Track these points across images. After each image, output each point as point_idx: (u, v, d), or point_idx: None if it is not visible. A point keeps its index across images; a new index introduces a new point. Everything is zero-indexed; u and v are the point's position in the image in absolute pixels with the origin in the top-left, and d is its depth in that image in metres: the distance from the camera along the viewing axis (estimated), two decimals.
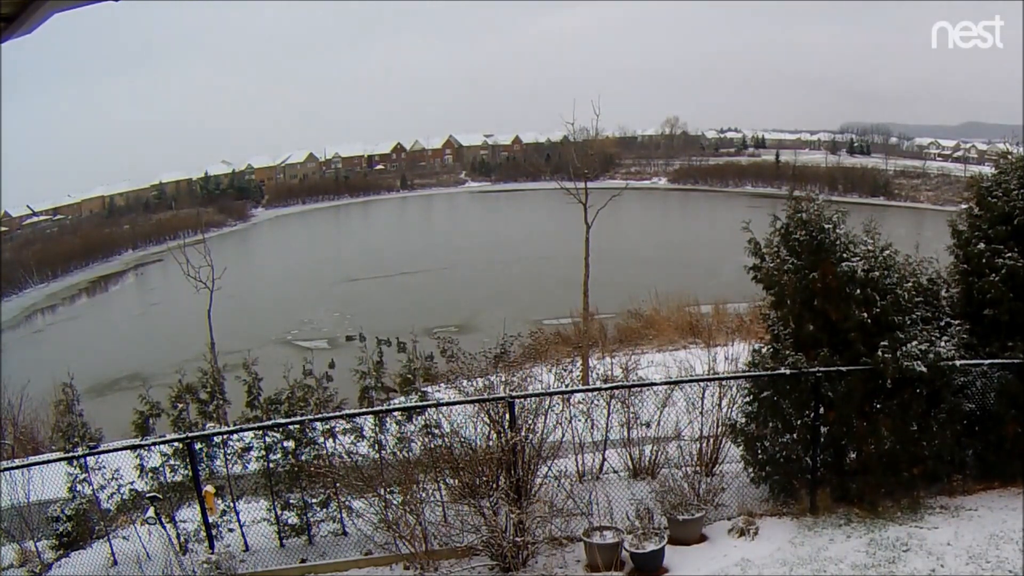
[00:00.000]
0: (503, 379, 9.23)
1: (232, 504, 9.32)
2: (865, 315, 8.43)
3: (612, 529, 8.28)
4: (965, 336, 8.86)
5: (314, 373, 10.09)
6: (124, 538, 9.30)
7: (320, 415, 9.39)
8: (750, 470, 9.21)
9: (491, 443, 8.45)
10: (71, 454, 9.55)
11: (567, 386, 10.15)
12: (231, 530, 9.24)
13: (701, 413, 9.72)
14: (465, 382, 9.26)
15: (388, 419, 9.31)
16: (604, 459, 10.17)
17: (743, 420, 9.21)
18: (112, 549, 9.28)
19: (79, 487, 9.52)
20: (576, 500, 8.67)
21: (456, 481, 8.69)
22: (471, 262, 58.17)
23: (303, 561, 8.93)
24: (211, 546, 8.77)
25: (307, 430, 9.23)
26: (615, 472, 10.12)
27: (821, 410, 8.60)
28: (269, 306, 48.03)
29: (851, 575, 7.53)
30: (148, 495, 8.81)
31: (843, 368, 8.49)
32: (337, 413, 9.40)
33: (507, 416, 8.41)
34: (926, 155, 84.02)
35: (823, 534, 8.30)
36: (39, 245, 70.21)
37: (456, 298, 46.47)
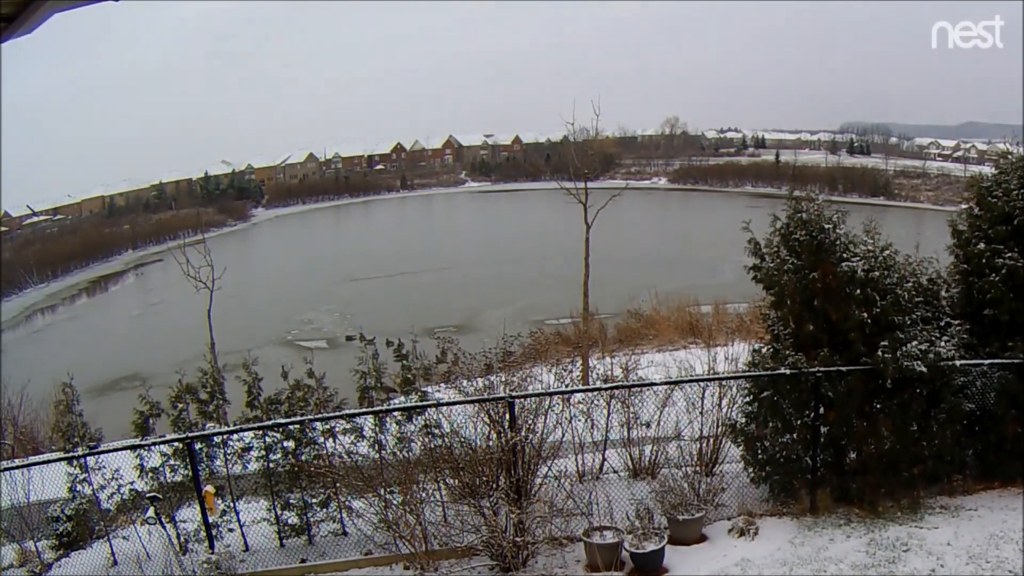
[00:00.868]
0: (503, 379, 9.24)
1: (232, 504, 9.32)
2: (865, 315, 8.43)
3: (612, 529, 8.28)
4: (965, 336, 8.86)
5: (314, 373, 10.05)
6: (124, 538, 9.29)
7: (320, 415, 9.39)
8: (750, 470, 9.20)
9: (491, 443, 8.45)
10: (71, 454, 9.55)
11: (567, 386, 10.15)
12: (231, 530, 9.24)
13: (701, 413, 9.72)
14: (465, 382, 9.26)
15: (388, 419, 9.32)
16: (604, 459, 10.17)
17: (743, 420, 9.21)
18: (112, 549, 9.27)
19: (79, 487, 9.52)
20: (576, 500, 8.67)
21: (456, 481, 8.69)
22: (471, 262, 58.16)
23: (303, 561, 8.93)
24: (211, 546, 8.77)
25: (307, 430, 9.23)
26: (615, 472, 10.11)
27: (821, 410, 8.60)
28: (269, 306, 48.01)
29: (851, 575, 7.53)
30: (148, 495, 8.81)
31: (843, 368, 8.49)
32: (337, 413, 9.40)
33: (507, 416, 8.41)
34: (926, 155, 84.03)
35: (823, 534, 8.30)
36: (39, 245, 70.20)
37: (456, 298, 46.45)
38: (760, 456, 9.06)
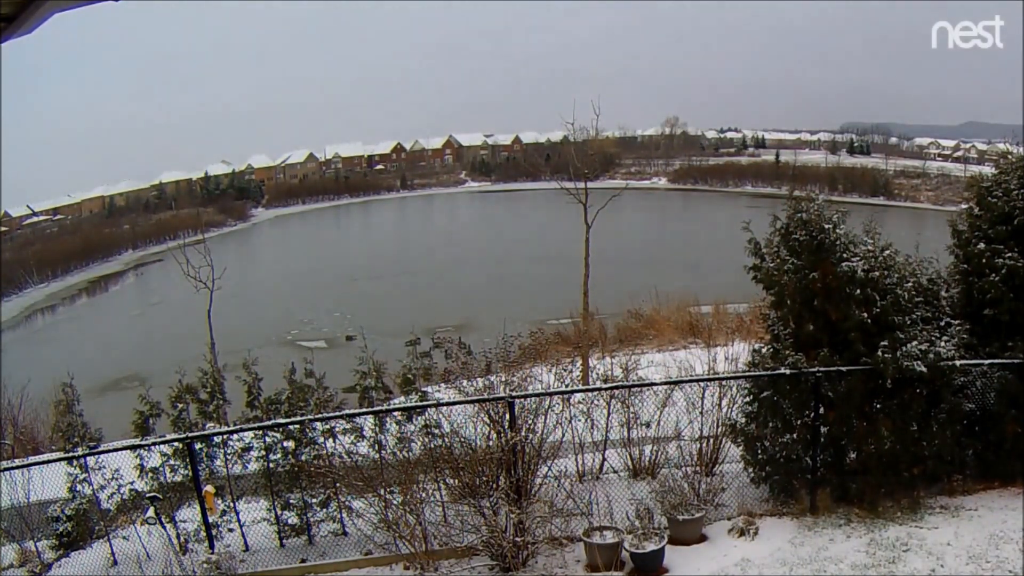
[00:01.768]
0: (503, 379, 9.24)
1: (232, 504, 9.32)
2: (865, 315, 8.43)
3: (612, 529, 8.28)
4: (965, 336, 8.86)
5: (315, 373, 10.05)
6: (124, 538, 9.29)
7: (320, 415, 9.39)
8: (750, 470, 9.20)
9: (491, 443, 8.46)
10: (71, 454, 9.54)
11: (567, 386, 10.15)
12: (231, 530, 9.24)
13: (701, 413, 9.72)
14: (465, 382, 9.26)
15: (388, 419, 9.32)
16: (604, 459, 10.17)
17: (743, 420, 9.21)
18: (112, 549, 9.27)
19: (79, 487, 9.52)
20: (576, 500, 8.67)
21: (456, 481, 8.69)
22: (471, 262, 58.17)
23: (303, 561, 8.93)
24: (211, 546, 8.77)
25: (307, 430, 9.23)
26: (615, 472, 10.12)
27: (821, 410, 8.60)
28: (269, 306, 48.02)
29: (851, 575, 7.53)
30: (148, 495, 8.81)
31: (843, 368, 8.49)
32: (337, 413, 9.40)
33: (507, 416, 8.41)
34: (926, 155, 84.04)
35: (823, 534, 8.30)
36: (39, 245, 70.21)
37: (456, 298, 46.46)
38: (760, 456, 9.06)
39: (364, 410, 9.49)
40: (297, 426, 9.21)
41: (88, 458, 9.42)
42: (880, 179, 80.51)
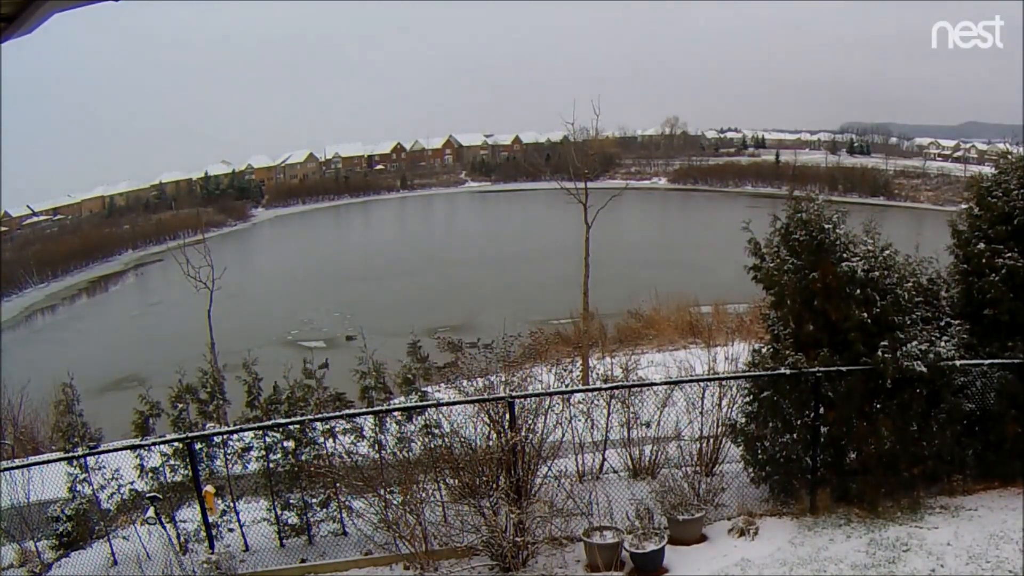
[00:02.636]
0: (503, 379, 9.24)
1: (232, 504, 9.32)
2: (865, 315, 8.42)
3: (612, 529, 8.28)
4: (965, 336, 8.86)
5: (314, 373, 10.04)
6: (124, 538, 9.29)
7: (320, 415, 9.39)
8: (750, 470, 9.20)
9: (491, 443, 8.45)
10: (71, 454, 9.54)
11: (567, 386, 10.15)
12: (231, 530, 9.24)
13: (701, 413, 9.71)
14: (465, 382, 9.26)
15: (388, 419, 9.31)
16: (604, 459, 10.17)
17: (743, 420, 9.21)
18: (112, 549, 9.27)
19: (79, 487, 9.51)
20: (576, 500, 8.66)
21: (456, 481, 8.69)
22: (471, 262, 58.18)
23: (303, 561, 8.93)
24: (211, 546, 8.77)
25: (307, 430, 9.23)
26: (615, 472, 10.11)
27: (821, 410, 8.59)
28: (269, 306, 48.05)
29: (851, 575, 7.53)
30: (148, 495, 8.80)
31: (843, 368, 8.48)
32: (337, 413, 9.39)
33: (507, 416, 8.40)
34: (926, 155, 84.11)
35: (823, 534, 8.29)
36: (39, 245, 70.26)
37: (456, 298, 46.47)
38: (760, 456, 9.06)
39: (364, 410, 9.48)
40: (297, 426, 9.21)
41: (88, 458, 9.42)
42: (880, 179, 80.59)
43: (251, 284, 51.35)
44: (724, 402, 9.73)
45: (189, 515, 9.27)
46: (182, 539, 9.05)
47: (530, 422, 8.74)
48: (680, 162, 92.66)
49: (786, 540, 8.24)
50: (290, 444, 9.28)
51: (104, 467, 9.48)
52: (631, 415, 9.96)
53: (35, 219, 76.80)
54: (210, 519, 8.79)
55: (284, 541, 9.33)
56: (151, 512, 8.89)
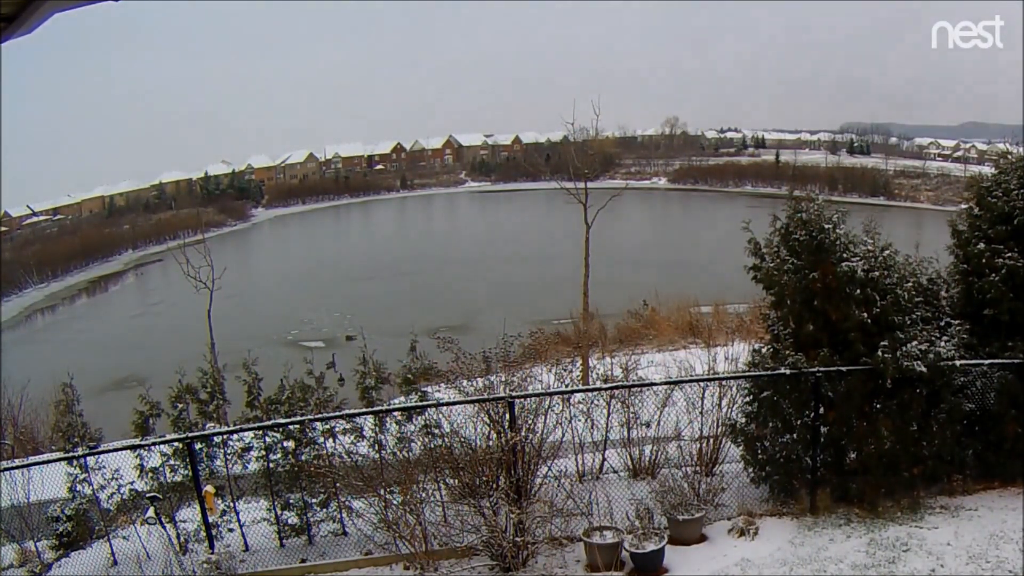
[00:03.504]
0: (503, 379, 9.23)
1: (232, 504, 9.32)
2: (865, 315, 8.43)
3: (612, 529, 8.28)
4: (965, 336, 8.86)
5: (314, 373, 10.03)
6: (124, 538, 9.28)
7: (320, 415, 9.38)
8: (750, 470, 9.20)
9: (491, 443, 8.45)
10: (71, 454, 9.54)
11: (567, 386, 10.14)
12: (231, 530, 9.24)
13: (701, 413, 9.71)
14: (465, 382, 9.25)
15: (388, 419, 9.31)
16: (604, 459, 10.17)
17: (743, 420, 9.21)
18: (112, 549, 9.27)
19: (79, 487, 9.51)
20: (576, 500, 8.66)
21: (456, 481, 8.69)
22: (471, 262, 58.17)
23: (303, 561, 8.93)
24: (211, 546, 8.77)
25: (307, 430, 9.23)
26: (615, 472, 10.11)
27: (821, 410, 8.59)
28: (269, 306, 48.05)
29: (851, 575, 7.53)
30: (148, 495, 8.80)
31: (843, 368, 8.49)
32: (337, 413, 9.39)
33: (507, 416, 8.40)
34: (926, 155, 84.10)
35: (823, 534, 8.30)
36: (39, 245, 70.25)
37: (456, 298, 46.48)
38: (760, 456, 9.06)
39: (364, 410, 9.48)
40: (297, 426, 9.21)
41: (88, 458, 9.42)
42: (880, 179, 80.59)
43: (251, 284, 51.37)
44: (724, 402, 9.73)
45: (189, 515, 9.27)
46: (182, 539, 9.05)
47: (530, 422, 8.74)
48: (680, 162, 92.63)
49: (786, 540, 8.24)
50: (290, 444, 9.28)
51: (104, 467, 9.48)
52: (631, 415, 9.96)
53: (35, 219, 76.79)
54: (210, 519, 8.79)
55: (284, 541, 9.33)
56: (151, 512, 8.88)
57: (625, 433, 10.06)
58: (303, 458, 9.19)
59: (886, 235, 9.05)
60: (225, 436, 9.38)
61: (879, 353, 8.27)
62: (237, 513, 9.28)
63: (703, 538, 8.46)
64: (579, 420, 9.88)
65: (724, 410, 9.71)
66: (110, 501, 9.54)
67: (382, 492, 8.51)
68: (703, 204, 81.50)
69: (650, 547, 7.94)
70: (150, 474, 9.28)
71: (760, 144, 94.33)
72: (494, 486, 8.24)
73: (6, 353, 39.43)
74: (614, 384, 10.42)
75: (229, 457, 9.37)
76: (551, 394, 9.40)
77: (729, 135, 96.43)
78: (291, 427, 9.21)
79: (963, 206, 10.09)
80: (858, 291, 8.43)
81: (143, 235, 73.96)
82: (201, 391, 10.01)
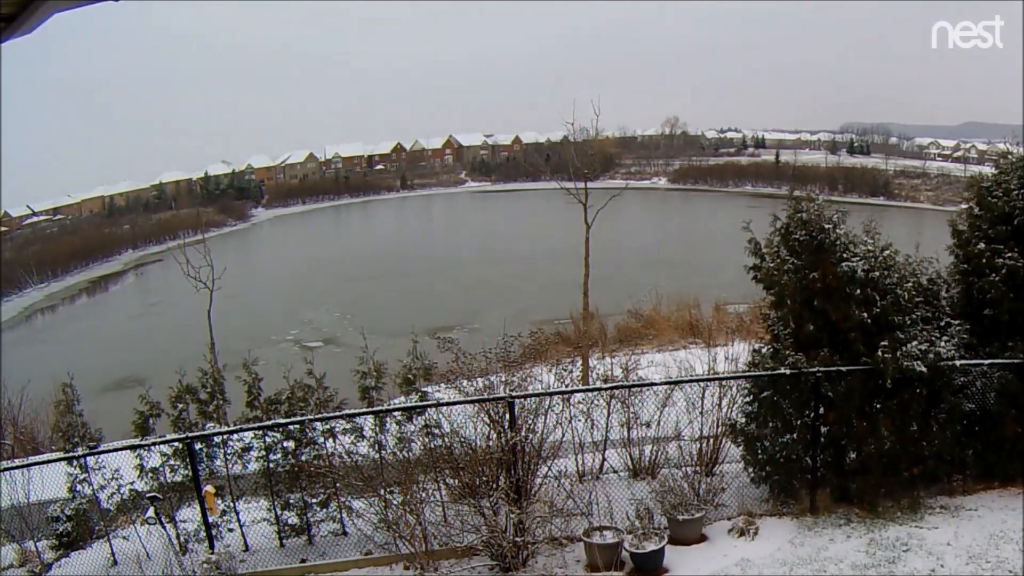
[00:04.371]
0: (503, 379, 9.23)
1: (232, 504, 9.31)
2: (865, 315, 8.42)
3: (612, 529, 8.28)
4: (965, 336, 8.86)
5: (314, 373, 10.03)
6: (124, 538, 9.29)
7: (320, 415, 9.38)
8: (750, 470, 9.20)
9: (491, 443, 8.44)
10: (71, 454, 9.53)
11: (567, 386, 10.14)
12: (231, 530, 9.24)
13: (701, 413, 9.71)
14: (465, 382, 9.25)
15: (388, 419, 9.31)
16: (604, 459, 10.17)
17: (743, 420, 9.21)
18: (112, 549, 9.27)
19: (79, 487, 9.51)
20: (576, 500, 8.67)
21: (456, 481, 8.68)
22: (471, 262, 58.17)
23: (303, 561, 8.93)
24: (211, 546, 8.77)
25: (307, 430, 9.23)
26: (615, 472, 10.11)
27: (821, 410, 8.60)
28: (269, 306, 48.03)
29: (851, 575, 7.53)
30: (148, 495, 8.80)
31: (843, 368, 8.49)
32: (337, 413, 9.39)
33: (507, 416, 8.40)
34: (926, 155, 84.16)
35: (823, 534, 8.30)
36: (39, 245, 70.26)
37: (456, 298, 46.48)
38: (760, 456, 9.06)
39: (364, 410, 9.48)
40: (297, 426, 9.20)
41: (88, 458, 9.41)
42: (880, 179, 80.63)
43: (251, 284, 51.29)
44: (724, 402, 9.73)
45: (189, 515, 9.27)
46: (182, 539, 9.05)
47: (530, 422, 8.74)
48: (680, 162, 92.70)
49: (786, 540, 8.24)
50: (290, 444, 9.28)
51: (104, 467, 9.48)
52: (631, 415, 9.96)
53: (35, 219, 76.81)
54: (210, 519, 8.79)
55: (284, 541, 9.33)
56: (151, 512, 8.89)
57: (625, 433, 10.06)
58: (303, 458, 9.18)
59: (886, 235, 9.05)
60: (225, 436, 9.38)
61: (879, 353, 8.27)
62: (237, 513, 9.28)
63: (703, 538, 8.46)
64: (579, 420, 9.87)
65: (724, 410, 9.71)
66: (110, 501, 9.53)
67: (382, 492, 8.51)
68: (703, 204, 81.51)
69: (650, 547, 7.94)
70: (150, 474, 9.28)
71: (760, 144, 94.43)
72: (494, 486, 8.24)
73: (6, 353, 39.44)
74: (614, 384, 10.42)
75: (229, 457, 9.37)
76: (551, 394, 9.39)
77: (729, 135, 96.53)
78: (291, 427, 9.21)
79: (963, 206, 10.09)
80: (858, 291, 8.43)
81: (143, 235, 73.98)
82: (201, 391, 10.00)
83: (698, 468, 9.50)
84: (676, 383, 10.02)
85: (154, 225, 74.97)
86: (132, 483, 9.38)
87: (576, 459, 9.93)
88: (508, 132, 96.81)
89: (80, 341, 46.48)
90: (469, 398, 8.85)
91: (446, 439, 8.81)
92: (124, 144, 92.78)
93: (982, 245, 9.23)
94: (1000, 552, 7.65)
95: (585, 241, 20.49)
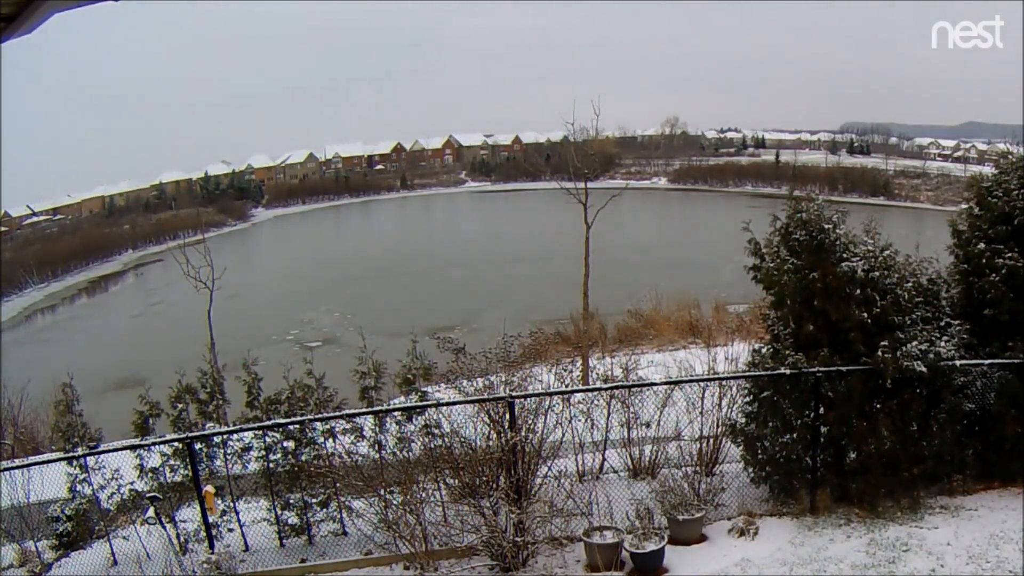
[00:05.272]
0: (503, 379, 9.23)
1: (232, 504, 9.32)
2: (865, 315, 8.42)
3: (612, 529, 8.28)
4: (965, 336, 8.85)
5: (314, 373, 10.03)
6: (124, 538, 9.29)
7: (320, 415, 9.38)
8: (750, 470, 9.20)
9: (491, 443, 8.45)
10: (71, 454, 9.53)
11: (567, 386, 10.14)
12: (231, 530, 9.24)
13: (701, 413, 9.71)
14: (465, 382, 9.25)
15: (388, 419, 9.31)
16: (604, 459, 10.17)
17: (743, 420, 9.21)
18: (112, 549, 9.27)
19: (79, 487, 9.51)
20: (576, 500, 8.67)
21: (456, 481, 8.68)
22: (471, 262, 58.16)
23: (303, 561, 8.93)
24: (211, 546, 8.77)
25: (307, 430, 9.23)
26: (615, 472, 10.11)
27: (821, 410, 8.60)
28: (269, 306, 48.00)
29: (851, 575, 7.53)
30: (148, 495, 8.81)
31: (843, 368, 8.49)
32: (337, 413, 9.39)
33: (507, 416, 8.40)
34: (926, 155, 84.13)
35: (823, 534, 8.30)
36: (39, 245, 70.23)
37: (456, 298, 46.46)
38: (760, 456, 9.06)
39: (364, 410, 9.47)
40: (297, 426, 9.21)
41: (88, 458, 9.42)
42: (880, 179, 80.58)
43: (251, 284, 51.30)
44: (724, 402, 9.73)
45: (189, 515, 9.27)
46: (182, 539, 9.05)
47: (530, 422, 8.74)
48: (680, 162, 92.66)
49: (786, 540, 8.24)
50: (290, 444, 9.28)
51: (104, 467, 9.48)
52: (631, 415, 9.96)
53: (35, 219, 76.78)
54: (210, 519, 8.79)
55: (284, 541, 9.33)
56: (151, 512, 8.90)
57: (625, 433, 10.06)
58: (303, 458, 9.19)
59: (886, 235, 9.06)
60: (225, 436, 9.38)
61: (879, 353, 8.27)
62: (237, 513, 9.28)
63: (703, 538, 8.46)
64: (579, 420, 9.87)
65: (724, 410, 9.71)
66: (110, 501, 9.54)
67: (382, 492, 8.51)
68: (703, 204, 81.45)
69: (650, 547, 7.94)
70: (150, 474, 9.28)
71: (760, 144, 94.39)
72: (494, 486, 8.24)
73: (6, 353, 39.43)
74: (614, 384, 10.42)
75: (229, 457, 9.37)
76: (551, 394, 9.39)
77: (729, 135, 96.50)
78: (291, 427, 9.21)
79: (963, 206, 10.09)
80: (858, 291, 8.43)
81: (143, 235, 73.95)
82: (201, 391, 10.01)
83: (698, 468, 9.51)
84: (676, 383, 10.02)
85: (154, 225, 74.93)
86: (132, 483, 9.39)
87: (576, 459, 9.93)
88: (508, 132, 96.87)
89: (80, 341, 46.47)
90: (469, 398, 8.85)
91: (446, 439, 8.81)
92: (124, 144, 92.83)
93: (982, 245, 9.23)
94: (1000, 552, 7.65)
95: (585, 241, 20.51)
